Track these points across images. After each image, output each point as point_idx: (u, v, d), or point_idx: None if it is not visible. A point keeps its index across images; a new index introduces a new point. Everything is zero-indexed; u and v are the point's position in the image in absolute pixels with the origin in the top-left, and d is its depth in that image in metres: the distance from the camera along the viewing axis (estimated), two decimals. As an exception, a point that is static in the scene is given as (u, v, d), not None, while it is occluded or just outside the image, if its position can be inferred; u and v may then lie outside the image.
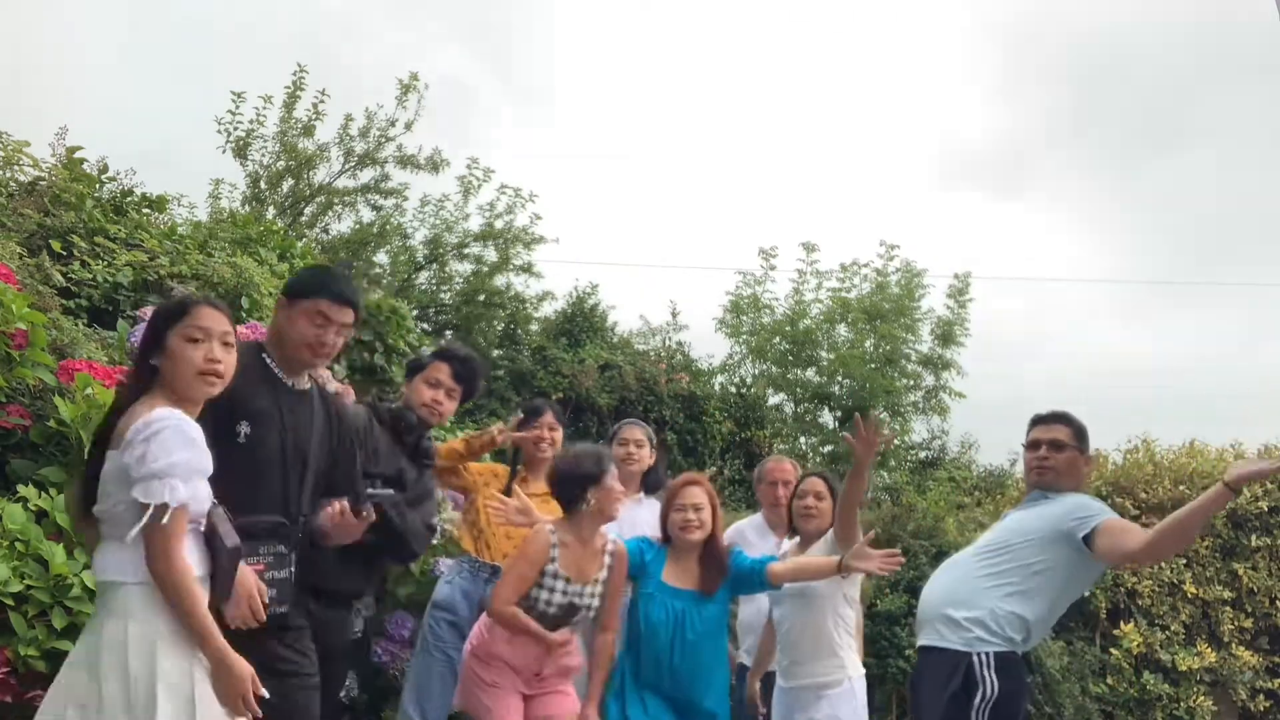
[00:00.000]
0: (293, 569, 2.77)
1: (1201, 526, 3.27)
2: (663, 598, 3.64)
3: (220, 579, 2.35)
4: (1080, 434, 3.60)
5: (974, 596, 3.34)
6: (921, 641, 3.48)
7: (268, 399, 2.85)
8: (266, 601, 2.57)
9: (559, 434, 4.14)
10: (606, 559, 3.57)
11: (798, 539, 4.03)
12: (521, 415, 4.19)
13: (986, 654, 3.23)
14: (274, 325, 3.02)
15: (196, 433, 2.29)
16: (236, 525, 2.57)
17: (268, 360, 2.93)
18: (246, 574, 2.50)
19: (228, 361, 2.40)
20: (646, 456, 4.39)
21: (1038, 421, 3.66)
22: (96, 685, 2.16)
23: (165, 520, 2.16)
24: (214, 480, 2.52)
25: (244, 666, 2.23)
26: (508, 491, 4.00)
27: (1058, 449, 3.54)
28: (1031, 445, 3.62)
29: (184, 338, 2.35)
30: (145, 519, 2.16)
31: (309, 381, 3.02)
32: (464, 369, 3.90)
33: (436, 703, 3.85)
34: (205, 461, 2.28)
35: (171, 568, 2.18)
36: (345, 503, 2.88)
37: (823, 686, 3.78)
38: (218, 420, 2.70)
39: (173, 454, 2.19)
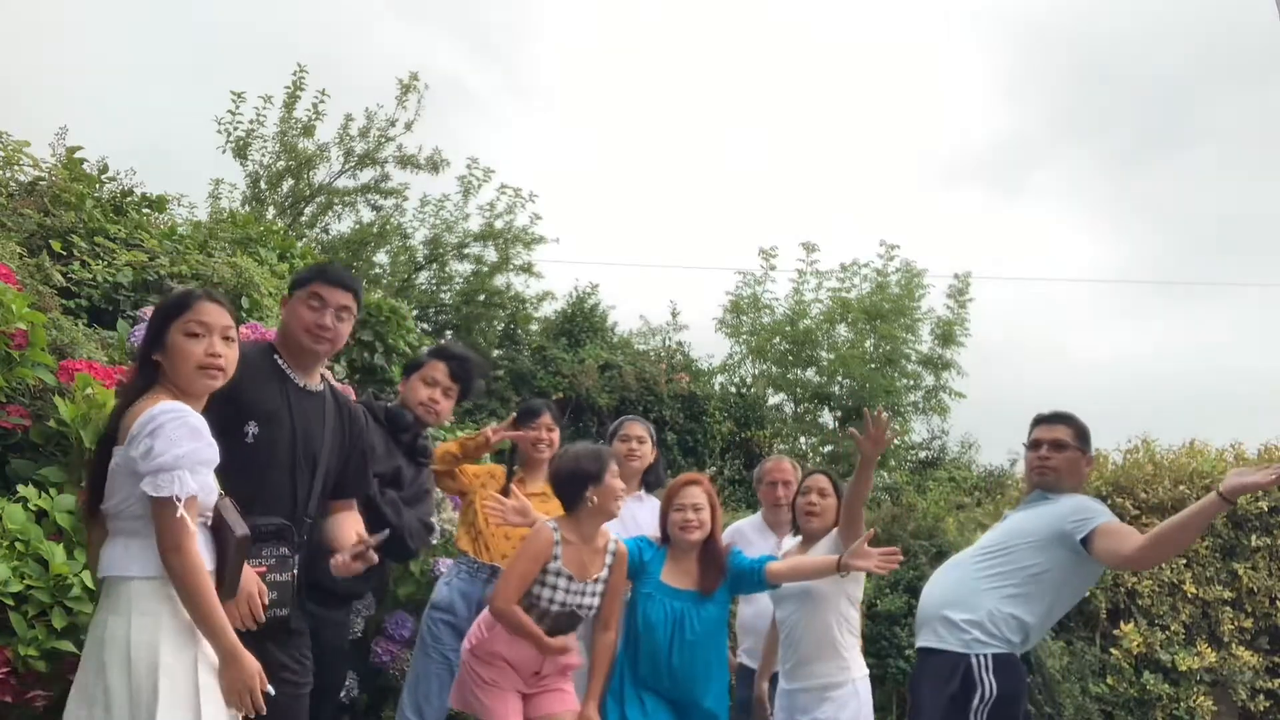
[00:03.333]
0: (295, 572, 2.76)
1: (1197, 533, 3.26)
2: (661, 598, 3.64)
3: (228, 572, 2.35)
4: (1082, 434, 3.58)
5: (972, 598, 3.35)
6: (920, 643, 3.48)
7: (277, 399, 2.86)
8: (266, 604, 2.56)
9: (556, 434, 4.11)
10: (608, 558, 3.57)
11: (800, 538, 4.02)
12: (515, 415, 4.18)
13: (984, 655, 3.25)
14: (280, 324, 3.05)
15: (201, 424, 2.28)
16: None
17: (279, 360, 2.94)
18: (249, 575, 2.49)
19: (229, 356, 2.39)
20: (649, 453, 4.37)
21: (1040, 421, 3.65)
22: (103, 682, 2.17)
23: (178, 513, 2.15)
24: (220, 479, 2.52)
25: (253, 662, 2.23)
26: (505, 492, 3.99)
27: (1059, 449, 3.53)
28: (1033, 445, 3.61)
29: (184, 332, 2.36)
30: (178, 511, 2.15)
31: (322, 383, 3.02)
32: (461, 368, 3.90)
33: (435, 704, 3.85)
34: (210, 453, 2.27)
35: (185, 560, 2.18)
36: (347, 555, 2.85)
37: (826, 688, 3.76)
38: (225, 420, 2.70)
39: (178, 446, 2.19)
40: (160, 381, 2.36)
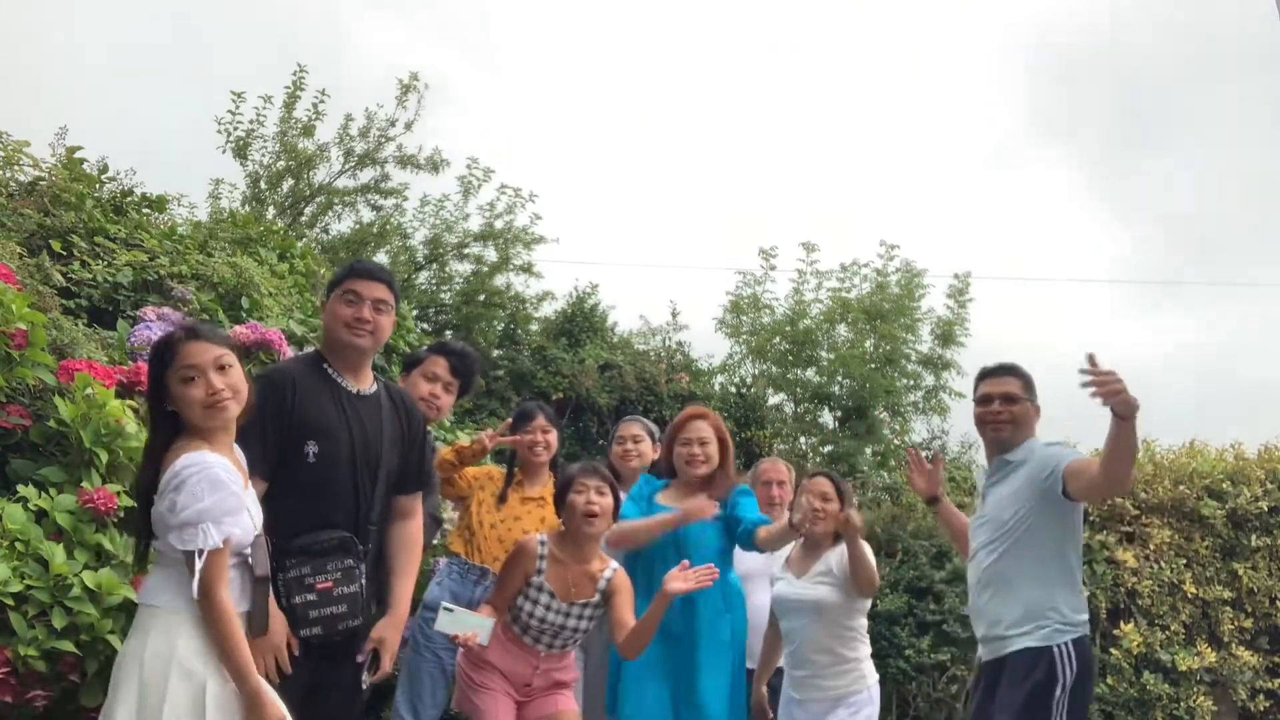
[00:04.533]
0: (363, 582, 2.76)
1: (1129, 448, 3.08)
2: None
3: (254, 611, 2.40)
4: (1029, 385, 3.55)
5: (1031, 603, 3.31)
6: (994, 656, 3.40)
7: (333, 412, 2.84)
8: (294, 655, 2.63)
9: (553, 436, 4.09)
10: (602, 584, 3.43)
11: (801, 540, 4.00)
12: (511, 420, 4.17)
13: (1065, 644, 3.25)
14: (323, 329, 3.04)
15: (225, 473, 2.33)
16: (302, 544, 2.68)
17: (328, 369, 2.92)
18: (278, 625, 2.56)
19: (231, 382, 2.40)
20: (648, 451, 4.33)
21: (986, 375, 3.61)
22: (114, 697, 2.26)
23: (201, 564, 2.24)
24: (284, 499, 2.64)
25: (278, 708, 2.28)
26: (503, 496, 3.99)
27: (1011, 402, 3.50)
28: (983, 400, 3.56)
29: (179, 380, 2.38)
30: (197, 564, 2.25)
31: (375, 383, 3.00)
32: (461, 363, 3.90)
33: (428, 702, 3.85)
34: (234, 501, 2.32)
35: (213, 606, 2.26)
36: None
37: (839, 698, 3.75)
38: (285, 441, 2.74)
39: (201, 500, 2.26)
40: (185, 427, 2.40)
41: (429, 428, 3.91)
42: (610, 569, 3.47)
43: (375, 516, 2.89)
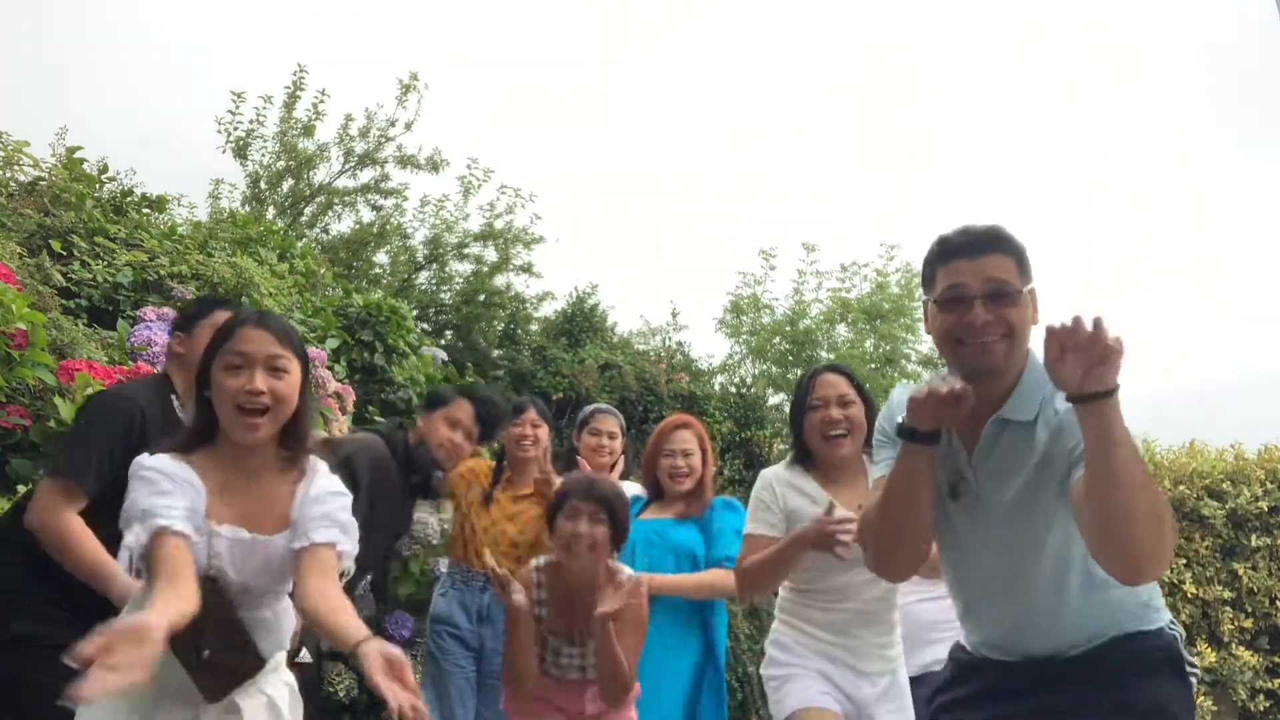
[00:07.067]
0: None
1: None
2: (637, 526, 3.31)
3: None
4: (1025, 263, 1.99)
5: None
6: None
7: None
8: None
9: (543, 430, 3.95)
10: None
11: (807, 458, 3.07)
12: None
13: None
14: None
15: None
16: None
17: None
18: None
19: (279, 389, 2.00)
20: (619, 448, 4.24)
21: (954, 251, 1.97)
22: None
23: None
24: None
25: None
26: (489, 498, 3.92)
27: (1003, 299, 1.91)
28: (949, 300, 1.95)
29: (223, 367, 2.01)
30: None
31: None
32: (488, 411, 3.74)
33: (470, 704, 3.76)
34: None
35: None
36: None
37: (897, 658, 3.01)
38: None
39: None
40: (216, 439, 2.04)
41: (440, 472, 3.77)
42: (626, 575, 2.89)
43: None
